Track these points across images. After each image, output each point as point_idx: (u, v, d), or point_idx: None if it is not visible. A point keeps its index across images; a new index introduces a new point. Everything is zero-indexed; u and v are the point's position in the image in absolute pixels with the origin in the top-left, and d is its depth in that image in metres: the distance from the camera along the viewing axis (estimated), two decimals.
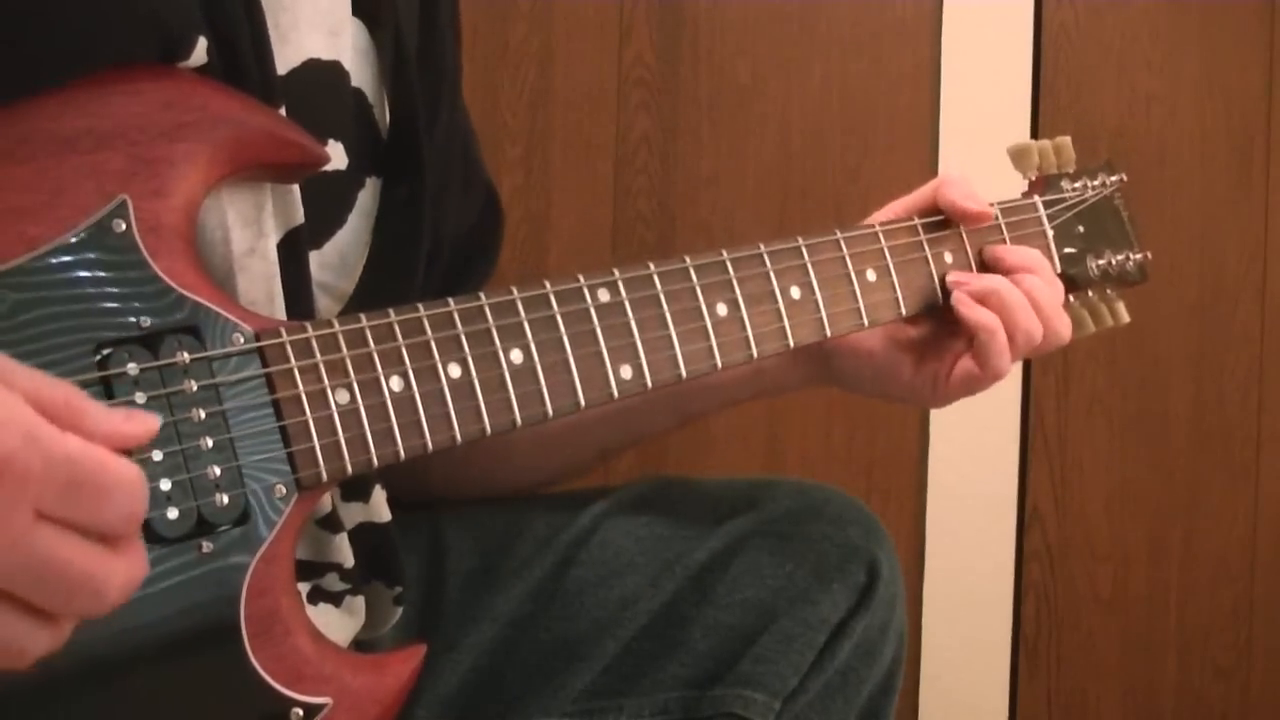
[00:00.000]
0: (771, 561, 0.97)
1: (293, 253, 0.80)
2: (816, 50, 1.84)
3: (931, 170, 1.85)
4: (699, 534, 0.99)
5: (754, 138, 1.84)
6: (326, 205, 0.85)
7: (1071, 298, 1.06)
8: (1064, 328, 0.98)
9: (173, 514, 0.69)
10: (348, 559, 0.87)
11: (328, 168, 0.81)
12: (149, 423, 0.61)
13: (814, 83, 1.85)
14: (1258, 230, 1.92)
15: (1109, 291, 1.09)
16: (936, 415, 1.87)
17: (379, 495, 0.90)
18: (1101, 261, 1.06)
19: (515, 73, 1.79)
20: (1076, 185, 1.07)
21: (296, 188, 0.80)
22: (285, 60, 0.81)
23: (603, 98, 1.80)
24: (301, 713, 0.72)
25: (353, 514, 0.88)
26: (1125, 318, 1.08)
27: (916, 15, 1.86)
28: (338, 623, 0.88)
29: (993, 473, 1.89)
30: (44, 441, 0.56)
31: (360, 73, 0.88)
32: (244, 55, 0.76)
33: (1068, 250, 1.05)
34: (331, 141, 0.85)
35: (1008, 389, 1.89)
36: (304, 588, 0.85)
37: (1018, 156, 1.07)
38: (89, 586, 0.58)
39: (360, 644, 0.92)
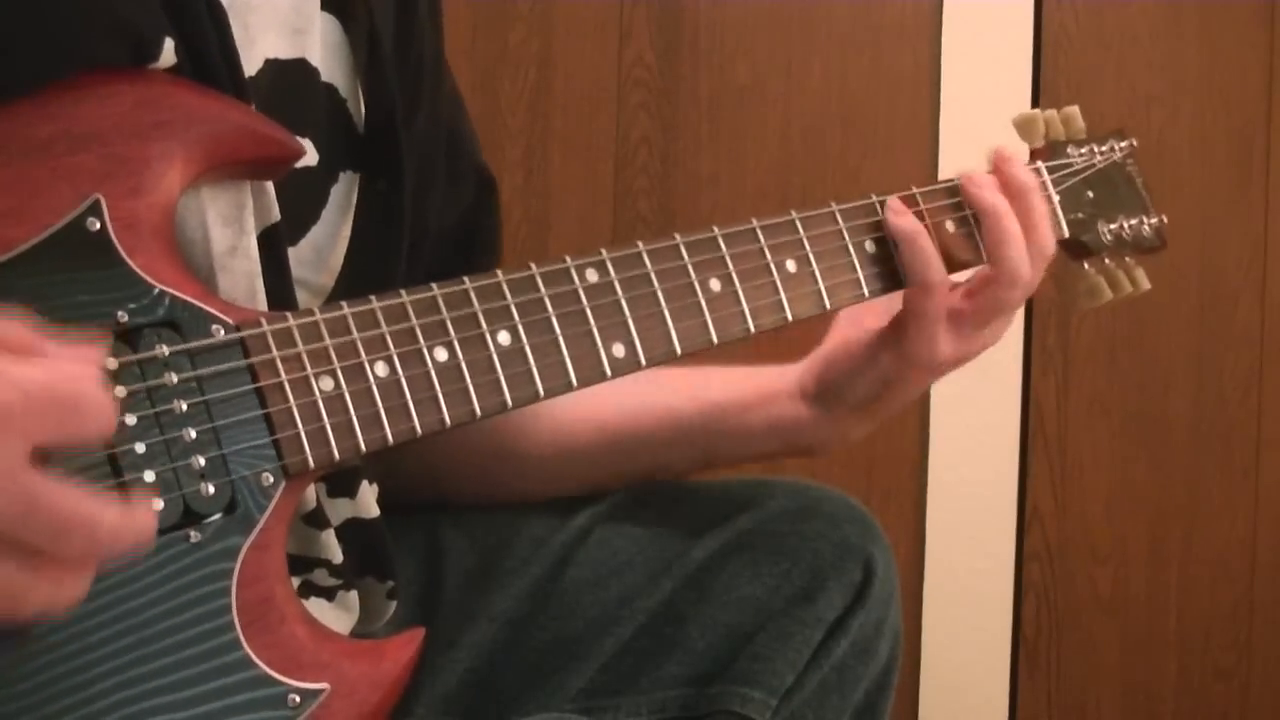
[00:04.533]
0: (768, 560, 0.97)
1: (272, 250, 0.81)
2: (816, 50, 1.85)
3: (931, 170, 1.85)
4: (696, 533, 0.99)
5: (754, 138, 1.84)
6: (300, 202, 0.86)
7: (1086, 265, 1.04)
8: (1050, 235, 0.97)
9: (158, 504, 0.69)
10: (336, 555, 0.87)
11: (299, 164, 0.82)
12: (98, 350, 0.63)
13: (814, 83, 1.85)
14: (1258, 230, 1.92)
15: (1127, 259, 1.06)
16: (936, 415, 1.87)
17: (366, 491, 0.90)
18: (1114, 226, 1.04)
19: (515, 74, 1.79)
20: (1083, 151, 1.05)
21: (272, 187, 0.81)
22: (250, 62, 0.81)
23: (603, 98, 1.81)
24: (298, 699, 0.72)
25: (340, 510, 0.88)
26: (1145, 284, 1.06)
27: (916, 15, 1.86)
28: (331, 617, 0.88)
29: (993, 473, 1.89)
30: (14, 375, 0.58)
31: (332, 67, 0.88)
32: (211, 56, 0.76)
33: (1076, 216, 1.03)
34: (299, 139, 0.85)
35: (1008, 389, 1.89)
36: (294, 582, 0.85)
37: (1023, 126, 1.05)
38: (81, 525, 0.58)
39: (357, 638, 0.92)
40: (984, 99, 1.85)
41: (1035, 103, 1.87)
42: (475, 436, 0.96)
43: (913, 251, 0.92)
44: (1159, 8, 1.90)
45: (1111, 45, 1.90)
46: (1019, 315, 1.90)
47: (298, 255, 0.86)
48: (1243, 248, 1.92)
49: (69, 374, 0.59)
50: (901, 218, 0.93)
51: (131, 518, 0.61)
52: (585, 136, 1.81)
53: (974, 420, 1.87)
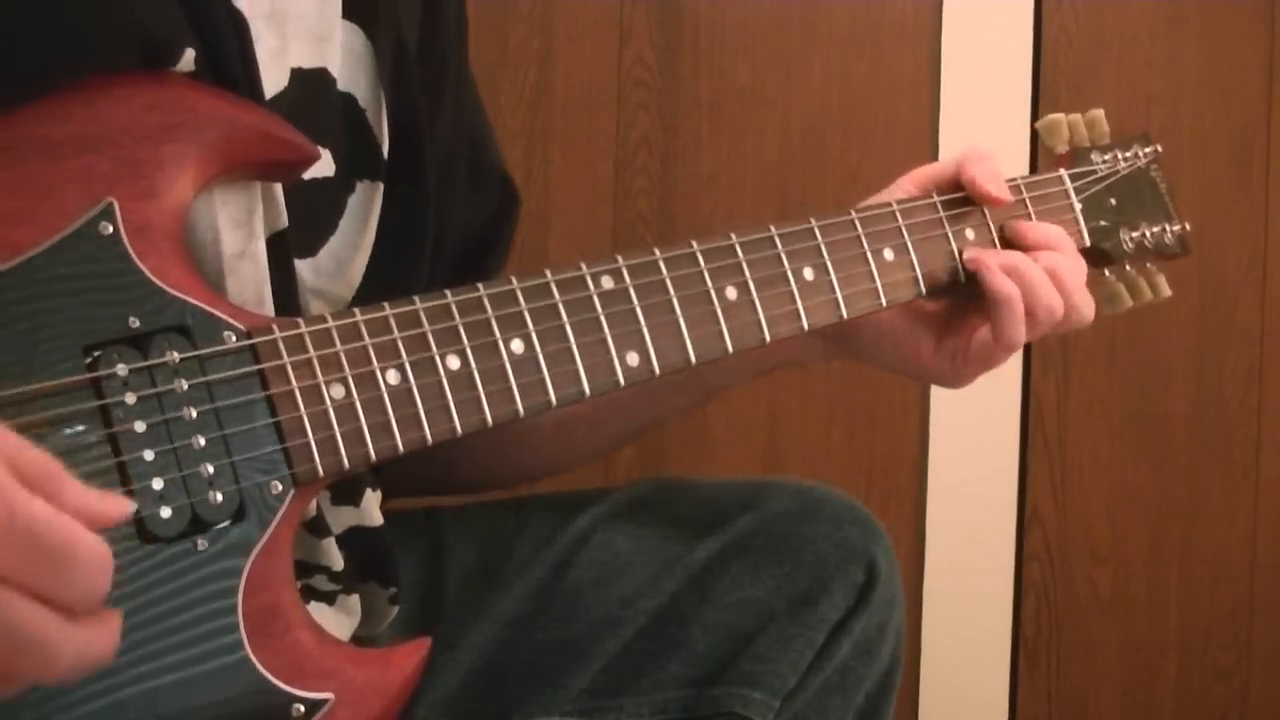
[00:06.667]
0: (770, 561, 0.97)
1: (279, 256, 0.80)
2: (816, 50, 1.85)
3: None
4: (698, 534, 0.99)
5: (754, 138, 1.84)
6: (316, 212, 0.85)
7: (1107, 272, 1.04)
8: (1087, 306, 0.96)
9: (166, 513, 0.69)
10: (336, 562, 0.87)
11: (315, 174, 0.81)
12: (123, 504, 0.60)
13: (814, 83, 1.85)
14: (1258, 230, 1.92)
15: (1148, 265, 1.06)
16: (936, 415, 1.87)
17: (370, 499, 0.90)
18: (1136, 234, 1.04)
19: (515, 73, 1.79)
20: (1107, 158, 1.05)
21: (281, 193, 0.80)
22: (279, 72, 0.81)
23: (603, 98, 1.81)
24: (303, 709, 0.71)
25: (343, 518, 0.88)
26: (1166, 291, 1.06)
27: (916, 15, 1.86)
28: (333, 621, 0.87)
29: (993, 473, 1.89)
30: (9, 499, 0.55)
31: (351, 76, 0.88)
32: (231, 67, 0.76)
33: (1098, 223, 1.03)
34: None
35: (1008, 389, 1.89)
36: None
37: (1047, 130, 1.05)
38: (38, 652, 0.56)
39: (359, 641, 0.92)
40: (984, 99, 1.85)
41: (1035, 104, 1.87)
42: None
43: (1012, 315, 0.92)
44: (1159, 8, 1.90)
45: (1111, 45, 1.89)
46: None
47: (317, 266, 0.85)
48: (1243, 248, 1.92)
49: (65, 526, 0.56)
50: (1000, 278, 0.92)
51: (93, 648, 0.58)
52: (585, 136, 1.80)
53: (974, 420, 1.87)
